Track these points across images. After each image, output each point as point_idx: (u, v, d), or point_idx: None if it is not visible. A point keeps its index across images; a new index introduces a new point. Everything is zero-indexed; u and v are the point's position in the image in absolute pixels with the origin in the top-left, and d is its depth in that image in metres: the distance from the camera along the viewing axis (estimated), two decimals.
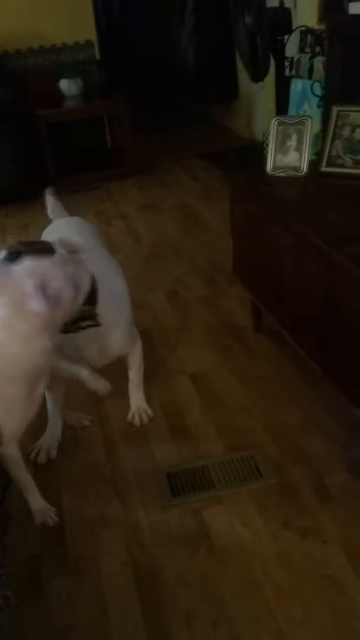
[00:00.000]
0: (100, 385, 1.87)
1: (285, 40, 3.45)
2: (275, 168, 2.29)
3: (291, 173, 2.27)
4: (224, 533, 1.70)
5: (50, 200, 2.62)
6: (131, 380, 2.18)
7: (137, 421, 2.16)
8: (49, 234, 2.31)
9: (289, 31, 3.42)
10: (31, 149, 4.63)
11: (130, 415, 2.18)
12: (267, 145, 2.37)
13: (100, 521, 1.79)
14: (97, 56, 5.16)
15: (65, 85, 4.90)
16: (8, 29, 4.81)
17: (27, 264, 1.46)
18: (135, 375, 2.17)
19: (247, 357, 2.49)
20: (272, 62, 3.39)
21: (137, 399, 2.20)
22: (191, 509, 1.79)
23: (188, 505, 1.80)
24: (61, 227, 2.37)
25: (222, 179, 4.43)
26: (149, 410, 2.20)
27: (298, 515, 1.73)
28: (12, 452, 1.70)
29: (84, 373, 1.85)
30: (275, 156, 2.29)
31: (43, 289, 1.42)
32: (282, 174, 2.28)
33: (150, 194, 4.58)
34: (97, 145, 5.35)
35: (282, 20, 3.30)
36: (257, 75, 3.27)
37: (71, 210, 4.36)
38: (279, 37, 3.36)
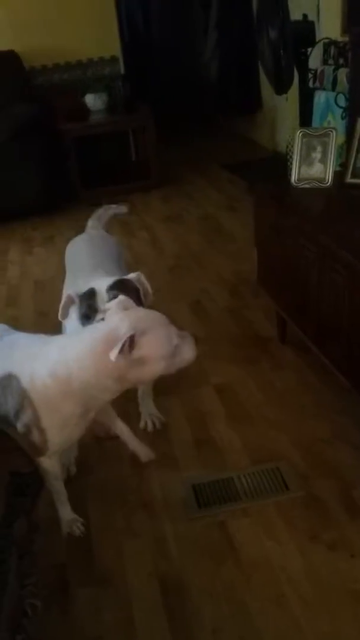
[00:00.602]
0: (143, 451, 1.97)
1: (308, 53, 3.46)
2: (300, 180, 2.30)
3: (316, 184, 2.27)
4: (250, 546, 1.69)
5: (97, 212, 2.68)
6: (141, 389, 2.20)
7: (150, 427, 2.19)
8: (74, 245, 2.38)
9: (313, 44, 3.44)
10: (56, 162, 4.71)
11: (142, 422, 2.21)
12: (291, 156, 2.38)
13: (127, 532, 1.79)
14: (122, 71, 5.24)
15: (91, 100, 4.98)
16: (34, 45, 4.91)
17: (139, 311, 1.59)
18: (145, 384, 2.19)
19: (272, 369, 2.48)
20: (296, 74, 3.40)
21: (147, 406, 2.23)
22: (217, 521, 1.78)
23: (214, 517, 1.80)
24: (85, 241, 2.39)
25: (246, 190, 4.44)
26: (161, 416, 2.22)
27: (325, 528, 1.71)
28: (54, 463, 1.73)
29: (127, 434, 1.95)
30: (299, 168, 2.29)
31: (134, 342, 1.45)
32: (306, 186, 2.28)
33: (174, 206, 4.61)
34: (121, 158, 5.42)
35: (306, 32, 3.32)
36: (281, 88, 3.29)
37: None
38: (303, 50, 3.38)
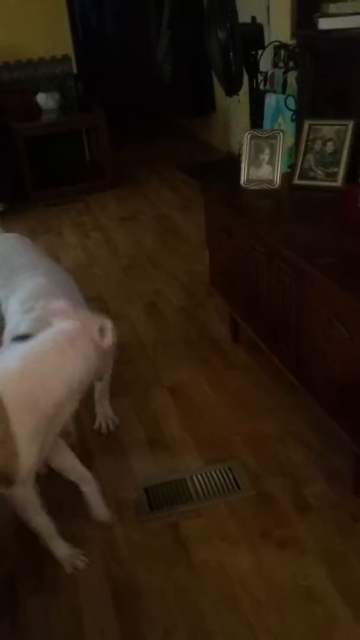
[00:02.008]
0: (102, 512, 1.80)
1: (258, 55, 3.50)
2: (249, 181, 2.32)
3: (265, 186, 2.29)
4: (202, 547, 1.69)
5: None
6: (98, 390, 2.18)
7: (104, 429, 2.18)
8: None
9: (262, 46, 3.47)
10: (8, 163, 4.62)
11: (97, 423, 2.20)
12: (242, 158, 2.39)
13: (78, 537, 1.77)
14: (75, 70, 5.18)
15: (43, 99, 4.91)
16: None
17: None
18: (103, 384, 2.17)
19: (225, 369, 2.50)
20: (247, 76, 3.43)
21: (103, 407, 2.22)
22: (169, 523, 1.78)
23: (166, 519, 1.79)
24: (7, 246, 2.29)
25: (200, 191, 4.45)
26: (116, 419, 2.21)
27: (276, 526, 1.73)
28: (29, 491, 1.54)
29: (92, 487, 1.78)
30: (248, 169, 2.31)
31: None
32: (255, 187, 2.30)
33: (128, 206, 4.59)
34: (75, 158, 5.36)
35: (255, 35, 3.36)
36: (231, 90, 3.32)
37: (49, 223, 4.38)
38: (252, 52, 3.41)
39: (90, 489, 1.78)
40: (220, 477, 1.93)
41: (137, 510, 1.83)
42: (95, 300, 3.05)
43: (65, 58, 5.11)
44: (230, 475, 1.93)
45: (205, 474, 1.95)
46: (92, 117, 4.91)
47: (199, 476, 1.94)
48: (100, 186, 4.91)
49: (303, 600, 1.52)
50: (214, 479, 1.93)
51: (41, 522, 1.61)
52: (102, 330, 1.50)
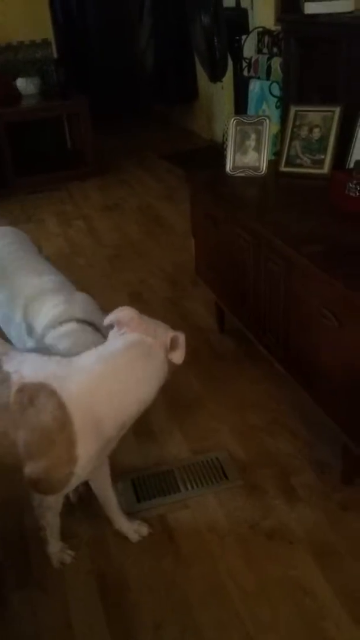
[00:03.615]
0: (131, 531, 1.69)
1: (242, 41, 3.46)
2: (234, 168, 2.29)
3: (251, 173, 2.26)
4: (190, 538, 1.68)
5: None
6: None
7: None
8: None
9: (246, 32, 3.43)
10: None
11: None
12: (226, 145, 2.36)
13: (64, 531, 1.73)
14: (55, 55, 5.09)
15: (22, 84, 4.81)
16: None
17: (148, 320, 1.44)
18: None
19: (212, 359, 2.48)
20: (230, 62, 3.39)
21: None
22: (157, 515, 1.76)
23: (153, 510, 1.77)
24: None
25: (184, 179, 4.42)
26: None
27: (264, 516, 1.72)
28: (59, 500, 1.52)
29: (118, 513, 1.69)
30: (234, 156, 2.28)
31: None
32: (241, 174, 2.27)
33: (111, 195, 4.53)
34: (56, 145, 5.28)
35: (239, 20, 3.31)
36: (215, 76, 3.27)
37: (31, 211, 4.31)
38: (236, 38, 3.37)
39: (114, 516, 1.69)
40: (208, 468, 1.92)
41: (124, 503, 1.80)
42: (79, 290, 3.00)
43: (45, 43, 5.02)
44: (218, 466, 1.92)
45: (193, 465, 1.93)
46: (73, 104, 4.83)
47: (186, 467, 1.92)
48: (83, 174, 4.85)
49: (292, 590, 1.51)
50: (201, 470, 1.91)
51: (54, 522, 1.57)
52: (174, 344, 1.40)
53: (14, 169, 4.65)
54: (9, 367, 1.39)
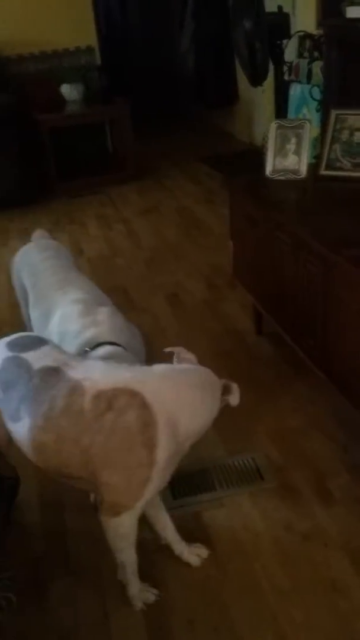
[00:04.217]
0: (192, 556, 1.64)
1: (284, 45, 3.47)
2: (274, 171, 2.30)
3: (290, 176, 2.27)
4: (225, 536, 1.70)
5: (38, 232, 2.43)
6: None
7: None
8: (25, 257, 2.19)
9: (288, 36, 3.44)
10: (32, 154, 4.65)
11: None
12: (266, 148, 2.38)
13: (101, 525, 1.78)
14: (99, 61, 5.19)
15: (67, 90, 4.92)
16: (10, 34, 4.83)
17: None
18: None
19: (248, 361, 2.49)
20: (271, 66, 3.40)
21: None
22: (192, 512, 1.79)
23: (189, 508, 1.80)
24: (36, 252, 2.19)
25: (223, 183, 4.44)
26: None
27: (299, 518, 1.72)
28: (136, 523, 1.43)
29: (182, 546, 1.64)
30: (274, 159, 2.30)
31: None
32: (281, 177, 2.29)
33: (150, 198, 4.59)
34: (98, 150, 5.37)
35: (281, 25, 3.32)
36: (256, 80, 3.29)
37: (73, 214, 4.40)
38: (278, 42, 3.38)
39: (174, 543, 1.65)
40: (244, 468, 1.93)
41: (161, 499, 1.83)
42: (117, 291, 3.06)
43: (89, 49, 5.12)
44: (254, 467, 1.93)
45: (228, 464, 1.95)
46: (115, 109, 4.92)
47: (222, 467, 1.95)
48: (123, 178, 4.92)
49: (327, 591, 1.52)
50: (237, 469, 1.93)
51: (131, 556, 1.50)
52: (227, 389, 1.46)
53: (57, 174, 4.76)
54: (76, 375, 1.39)
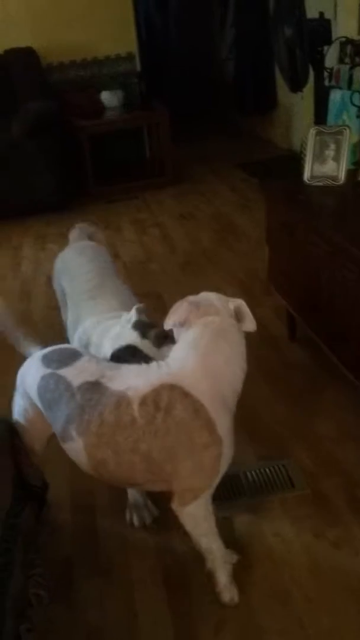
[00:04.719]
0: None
1: (324, 51, 3.44)
2: (312, 177, 2.29)
3: (328, 182, 2.26)
4: (254, 541, 1.69)
5: (75, 232, 2.47)
6: None
7: None
8: (64, 260, 2.22)
9: (329, 42, 3.41)
10: (71, 159, 4.73)
11: None
12: (304, 154, 2.37)
13: (132, 526, 1.80)
14: (138, 67, 5.25)
15: (106, 97, 4.99)
16: (52, 42, 4.94)
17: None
18: None
19: (282, 367, 2.48)
20: (312, 72, 3.38)
21: None
22: (222, 516, 1.77)
23: (219, 512, 1.78)
24: (76, 254, 2.22)
25: (259, 188, 4.43)
26: None
27: (330, 526, 1.71)
28: (209, 502, 1.44)
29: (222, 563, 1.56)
30: (312, 165, 2.29)
31: None
32: (319, 183, 2.27)
33: (186, 204, 4.61)
34: (135, 155, 5.43)
35: (322, 31, 3.30)
36: (296, 86, 3.27)
37: (109, 219, 4.45)
38: (319, 48, 3.36)
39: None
40: (275, 475, 1.92)
41: None
42: (152, 296, 3.08)
43: (129, 56, 5.19)
44: (285, 473, 1.92)
45: (260, 470, 1.95)
46: (154, 115, 4.96)
47: (253, 472, 1.94)
48: (159, 183, 4.96)
49: (356, 601, 1.50)
50: (268, 475, 1.92)
51: (216, 538, 1.48)
52: (239, 314, 1.47)
53: (95, 179, 4.83)
54: (117, 386, 1.41)
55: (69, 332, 1.95)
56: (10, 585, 1.41)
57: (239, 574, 1.60)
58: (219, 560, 1.50)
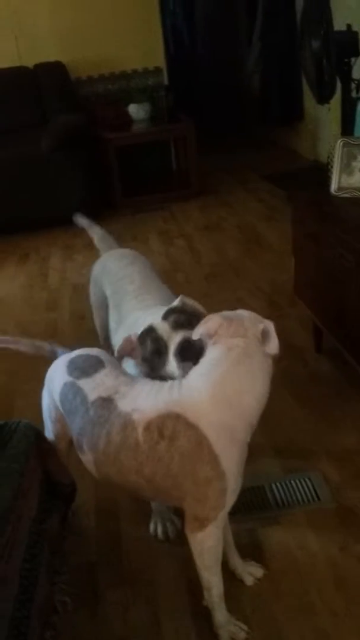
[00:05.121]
0: (245, 573, 1.60)
1: (352, 63, 3.44)
2: (339, 189, 2.29)
3: (356, 194, 2.25)
4: (279, 554, 1.68)
5: (97, 233, 2.53)
6: None
7: None
8: (104, 266, 2.22)
9: (356, 54, 3.41)
10: (99, 171, 4.80)
11: None
12: (331, 166, 2.37)
13: (156, 537, 1.80)
14: (166, 81, 5.31)
15: (134, 110, 5.06)
16: (81, 56, 5.04)
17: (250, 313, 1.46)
18: None
19: (308, 379, 2.46)
20: (338, 84, 3.39)
21: None
22: (246, 528, 1.78)
23: (244, 524, 1.79)
24: (115, 260, 2.21)
25: (285, 200, 4.43)
26: None
27: (356, 540, 1.69)
28: (219, 534, 1.40)
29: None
30: (340, 177, 2.28)
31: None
32: (346, 195, 2.27)
33: (212, 215, 4.63)
34: (162, 167, 5.48)
35: (349, 43, 3.30)
36: (323, 98, 3.28)
37: (136, 230, 4.50)
38: (346, 60, 3.36)
39: (230, 556, 1.61)
40: (300, 487, 1.91)
41: None
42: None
43: (157, 70, 5.26)
44: (310, 486, 1.91)
45: (285, 482, 1.94)
46: (181, 128, 5.01)
47: (278, 484, 1.93)
48: (186, 195, 4.99)
49: None
50: (293, 488, 1.91)
51: (218, 575, 1.45)
52: (265, 336, 1.40)
53: (122, 190, 4.88)
54: (125, 406, 1.41)
55: (112, 333, 1.97)
56: (36, 591, 1.43)
57: (264, 587, 1.59)
58: (216, 598, 1.46)
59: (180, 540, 1.75)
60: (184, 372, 1.45)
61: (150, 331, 1.54)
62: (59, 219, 4.63)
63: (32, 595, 1.41)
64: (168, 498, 1.45)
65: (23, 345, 1.78)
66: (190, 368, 1.45)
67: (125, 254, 2.25)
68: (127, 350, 1.60)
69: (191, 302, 1.67)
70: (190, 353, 1.47)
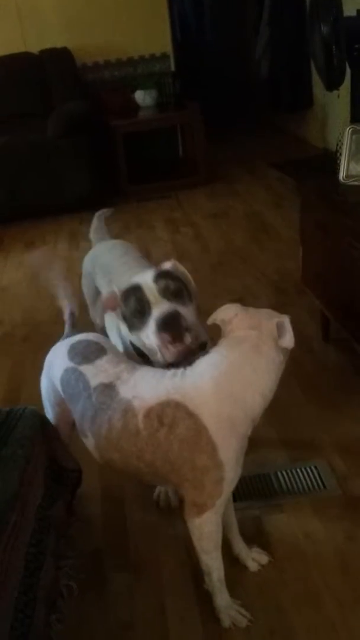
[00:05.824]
0: (249, 559, 1.61)
1: None
2: (348, 177, 2.26)
3: None
4: (284, 542, 1.69)
5: (93, 223, 2.54)
6: None
7: None
8: (95, 259, 2.21)
9: None
10: (105, 158, 4.77)
11: None
12: (340, 153, 2.34)
13: (162, 521, 1.81)
14: (172, 67, 5.26)
15: (140, 97, 5.02)
16: (87, 42, 5.00)
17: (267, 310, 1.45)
18: None
19: (315, 368, 2.46)
20: (348, 70, 3.35)
21: None
22: (252, 516, 1.78)
23: (249, 511, 1.80)
24: (106, 251, 2.21)
25: (294, 187, 4.40)
26: None
27: None
28: (218, 520, 1.40)
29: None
30: (348, 164, 2.26)
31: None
32: (355, 183, 2.25)
33: (220, 203, 4.61)
34: (169, 154, 5.45)
35: (359, 28, 3.26)
36: (332, 84, 3.24)
37: (142, 218, 4.48)
38: (356, 46, 3.32)
39: (234, 541, 1.62)
40: (306, 476, 1.91)
41: None
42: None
43: (163, 56, 5.21)
44: (317, 475, 1.91)
45: (291, 471, 1.94)
46: (188, 114, 4.97)
47: (284, 472, 1.93)
48: (193, 182, 4.96)
49: None
50: (299, 476, 1.91)
51: (218, 559, 1.45)
52: (280, 330, 1.38)
53: (128, 178, 4.86)
54: (126, 393, 1.41)
55: (107, 324, 1.96)
56: (42, 575, 1.44)
57: (269, 574, 1.60)
58: (217, 583, 1.47)
59: (186, 528, 1.76)
60: (159, 343, 1.44)
61: (136, 290, 1.51)
62: (65, 206, 4.63)
63: (38, 580, 1.42)
64: (168, 483, 1.48)
65: (63, 289, 1.85)
66: (167, 340, 1.43)
67: (116, 245, 2.24)
68: (110, 305, 1.58)
69: (183, 269, 1.64)
70: (173, 327, 1.44)
